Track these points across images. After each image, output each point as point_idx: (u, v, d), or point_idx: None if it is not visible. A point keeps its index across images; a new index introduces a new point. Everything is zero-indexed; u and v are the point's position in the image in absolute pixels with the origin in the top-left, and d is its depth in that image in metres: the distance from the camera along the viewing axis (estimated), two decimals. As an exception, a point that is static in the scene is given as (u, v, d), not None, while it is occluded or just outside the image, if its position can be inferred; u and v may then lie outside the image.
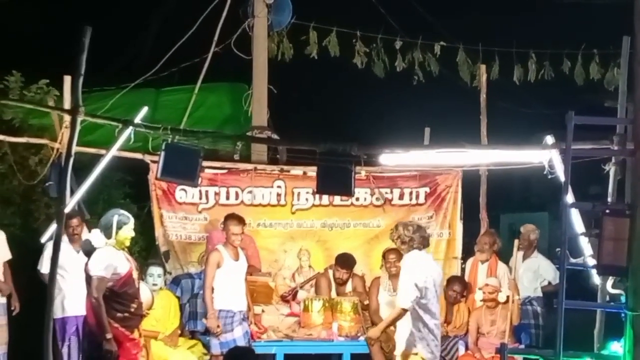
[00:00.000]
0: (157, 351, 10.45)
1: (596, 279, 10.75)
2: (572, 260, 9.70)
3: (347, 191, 10.85)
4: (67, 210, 9.85)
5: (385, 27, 14.41)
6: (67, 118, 10.90)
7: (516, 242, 11.54)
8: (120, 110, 12.45)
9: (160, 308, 10.65)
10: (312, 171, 11.74)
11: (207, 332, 10.82)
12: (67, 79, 11.25)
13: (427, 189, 12.90)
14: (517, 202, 26.98)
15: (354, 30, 14.42)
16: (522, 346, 11.25)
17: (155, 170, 11.08)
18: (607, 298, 10.54)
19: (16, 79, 12.94)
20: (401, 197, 12.90)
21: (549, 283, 11.92)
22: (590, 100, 14.27)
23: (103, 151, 11.16)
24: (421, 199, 12.91)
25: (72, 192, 10.57)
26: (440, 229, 12.89)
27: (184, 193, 12.49)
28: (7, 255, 11.01)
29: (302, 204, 12.78)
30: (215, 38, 13.29)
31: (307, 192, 12.69)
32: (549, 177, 10.76)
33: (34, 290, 10.55)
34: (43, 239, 11.01)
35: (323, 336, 11.24)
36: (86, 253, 8.89)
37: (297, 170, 12.70)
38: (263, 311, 11.51)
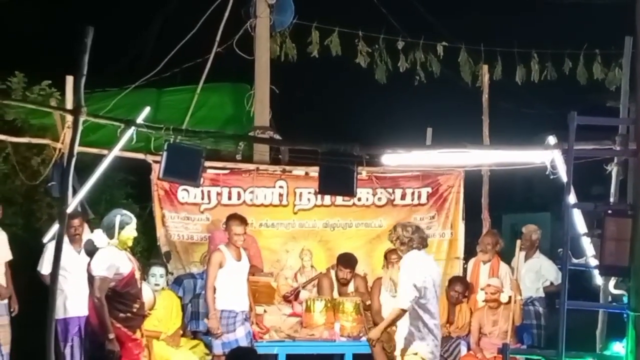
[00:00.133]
0: (159, 351, 10.45)
1: (598, 279, 10.73)
2: (575, 260, 9.69)
3: (349, 191, 10.84)
4: (69, 210, 9.85)
5: (387, 27, 14.42)
6: (69, 118, 10.91)
7: (518, 242, 11.55)
8: (123, 110, 12.46)
9: (162, 308, 10.64)
10: (314, 171, 11.75)
11: (209, 332, 10.82)
12: (70, 79, 11.27)
13: (429, 189, 12.92)
14: (519, 202, 26.96)
15: (356, 31, 14.42)
16: (524, 346, 11.25)
17: (157, 170, 11.07)
18: (610, 298, 10.52)
19: (19, 80, 12.97)
20: (403, 197, 12.90)
21: (551, 283, 11.92)
22: (593, 100, 14.29)
23: (105, 151, 11.14)
24: (423, 199, 12.93)
25: (75, 192, 10.57)
26: (442, 229, 12.90)
27: (186, 193, 12.50)
28: (8, 255, 11.00)
29: (304, 204, 12.78)
30: (218, 38, 13.30)
31: (309, 192, 12.69)
32: (551, 177, 10.75)
33: (36, 291, 10.55)
34: (45, 239, 11.01)
35: (325, 336, 11.24)
36: (88, 253, 8.89)
37: (299, 171, 12.70)
38: (265, 311, 11.51)
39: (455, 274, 12.26)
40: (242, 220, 10.79)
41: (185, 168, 10.46)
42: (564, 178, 9.55)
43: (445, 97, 17.16)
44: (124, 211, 9.15)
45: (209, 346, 10.89)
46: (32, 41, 16.92)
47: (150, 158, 12.00)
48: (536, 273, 11.96)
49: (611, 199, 10.69)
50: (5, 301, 10.89)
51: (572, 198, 8.97)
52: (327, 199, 12.71)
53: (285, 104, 14.49)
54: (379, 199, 12.85)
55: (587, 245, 10.31)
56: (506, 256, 11.84)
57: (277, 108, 13.94)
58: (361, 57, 14.45)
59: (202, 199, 12.56)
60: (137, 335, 8.98)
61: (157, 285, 10.81)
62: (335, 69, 16.02)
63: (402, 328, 9.30)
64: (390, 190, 12.86)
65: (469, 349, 11.27)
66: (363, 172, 12.16)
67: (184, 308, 11.29)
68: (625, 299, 9.02)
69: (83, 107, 9.50)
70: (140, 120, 10.89)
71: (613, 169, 10.88)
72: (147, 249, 12.90)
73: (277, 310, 11.70)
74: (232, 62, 13.63)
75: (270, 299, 11.72)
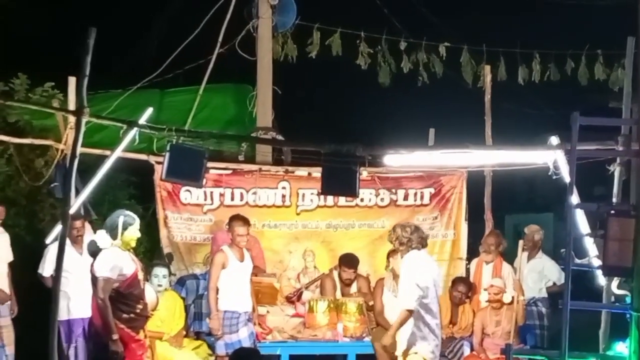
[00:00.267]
0: (162, 352, 10.45)
1: (601, 279, 10.72)
2: (577, 261, 9.68)
3: (351, 192, 10.86)
4: (72, 211, 9.85)
5: (388, 28, 14.42)
6: (71, 119, 10.90)
7: (521, 242, 11.54)
8: (125, 111, 12.47)
9: (165, 309, 10.64)
10: (316, 172, 11.76)
11: (211, 333, 10.83)
12: (72, 80, 11.29)
13: (432, 190, 12.92)
14: (521, 202, 26.92)
15: (358, 31, 14.43)
16: (527, 347, 11.24)
17: (160, 171, 11.08)
18: (612, 299, 10.52)
19: (22, 81, 12.99)
20: (406, 197, 12.91)
21: (554, 284, 11.92)
22: (595, 100, 14.27)
23: (108, 152, 11.15)
24: (426, 200, 12.93)
25: (77, 193, 10.57)
26: (445, 230, 12.90)
27: (189, 194, 12.50)
28: (10, 256, 11.01)
29: (307, 204, 12.79)
30: (220, 39, 13.30)
31: (312, 193, 12.70)
32: (554, 177, 10.76)
33: (38, 292, 10.55)
34: (48, 240, 11.02)
35: (328, 337, 11.25)
36: (92, 254, 8.88)
37: (301, 171, 12.70)
38: (268, 312, 11.52)
39: (458, 275, 12.27)
40: (245, 221, 10.79)
41: (187, 169, 10.48)
42: (567, 178, 9.55)
43: (447, 98, 17.15)
44: (127, 212, 9.15)
45: (211, 347, 10.88)
46: (35, 42, 16.92)
47: (152, 159, 12.02)
48: (539, 273, 11.96)
49: (614, 200, 10.68)
50: (8, 302, 10.89)
51: (574, 198, 8.97)
52: (330, 199, 12.71)
53: (288, 105, 14.49)
54: (382, 199, 12.86)
55: (590, 245, 10.31)
56: (509, 256, 11.84)
57: (280, 109, 13.95)
58: (362, 58, 14.45)
59: (205, 199, 12.56)
60: (141, 336, 8.97)
61: (159, 286, 10.82)
62: (337, 70, 16.02)
63: (404, 328, 9.31)
64: (393, 190, 12.86)
65: (472, 349, 11.27)
66: (364, 173, 12.13)
67: (186, 309, 11.30)
68: (628, 299, 9.02)
69: (85, 108, 9.51)
70: (142, 121, 10.91)
71: (616, 170, 10.86)
72: (149, 250, 12.90)
73: (279, 310, 11.71)
74: (235, 63, 13.64)
75: (273, 300, 11.72)
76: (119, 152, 10.95)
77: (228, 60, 13.53)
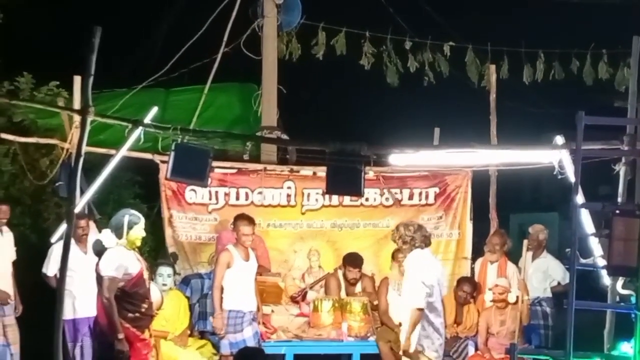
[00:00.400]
0: (166, 351, 10.46)
1: (606, 279, 10.73)
2: (582, 260, 9.69)
3: (356, 191, 10.86)
4: (77, 210, 9.87)
5: (394, 27, 14.41)
6: (77, 118, 10.94)
7: (525, 242, 11.53)
8: (130, 110, 12.46)
9: (169, 308, 10.65)
10: (321, 171, 11.77)
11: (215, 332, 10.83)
12: (77, 79, 11.30)
13: (437, 189, 12.90)
14: (526, 202, 26.96)
15: (363, 31, 14.42)
16: (532, 347, 11.23)
17: (165, 170, 11.09)
18: (617, 298, 10.52)
19: (27, 80, 13.00)
20: (411, 197, 12.90)
21: (558, 283, 11.89)
22: (600, 100, 14.26)
23: (113, 151, 11.17)
24: (431, 199, 12.92)
25: (82, 193, 10.58)
26: (449, 229, 12.89)
27: (194, 193, 12.50)
28: (14, 255, 11.02)
29: (312, 204, 12.78)
30: (225, 38, 13.29)
31: (317, 193, 12.69)
32: (559, 177, 10.76)
33: (43, 291, 10.56)
34: (53, 239, 11.03)
35: (332, 336, 11.25)
36: (97, 253, 8.89)
37: (306, 171, 12.70)
38: (272, 311, 11.52)
39: (462, 274, 12.25)
40: (250, 221, 10.78)
41: (192, 168, 10.49)
42: (572, 178, 9.55)
43: (452, 97, 17.15)
44: (132, 211, 9.16)
45: (216, 346, 10.89)
46: (40, 42, 16.94)
47: (157, 158, 12.01)
48: (543, 273, 11.94)
49: (619, 199, 10.69)
50: (12, 301, 10.90)
51: (580, 198, 8.96)
52: (335, 199, 12.71)
53: (293, 104, 14.49)
54: (387, 199, 12.85)
55: (595, 245, 10.31)
56: (514, 256, 11.82)
57: (285, 108, 13.94)
58: (365, 58, 14.44)
59: (210, 199, 12.56)
60: (146, 335, 8.98)
61: (164, 285, 10.82)
62: (342, 69, 16.01)
63: (408, 327, 9.31)
64: (398, 190, 12.85)
65: (476, 349, 11.26)
66: (370, 172, 12.13)
67: (191, 308, 11.30)
68: (633, 299, 9.02)
69: (91, 107, 9.52)
70: (147, 120, 10.93)
71: (621, 169, 10.87)
72: (154, 249, 12.90)
73: (284, 310, 11.71)
74: (240, 62, 13.63)
75: (278, 299, 11.73)
76: (124, 151, 10.96)
77: (233, 60, 13.53)
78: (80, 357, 10.60)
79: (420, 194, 12.90)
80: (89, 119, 9.52)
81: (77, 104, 11.20)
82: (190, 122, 12.68)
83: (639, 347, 8.25)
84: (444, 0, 15.44)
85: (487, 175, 12.60)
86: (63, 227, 10.11)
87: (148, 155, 12.06)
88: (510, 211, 20.70)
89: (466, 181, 12.85)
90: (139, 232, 8.98)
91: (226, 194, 12.59)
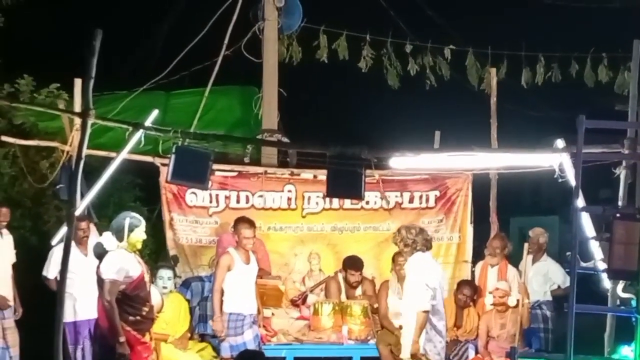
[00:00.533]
0: (167, 354, 10.44)
1: (607, 283, 10.73)
2: (583, 264, 9.69)
3: (357, 194, 10.87)
4: (77, 213, 9.86)
5: (394, 30, 14.43)
6: (77, 121, 10.92)
7: (526, 245, 11.54)
8: (131, 113, 12.46)
9: (170, 311, 10.64)
10: (322, 174, 11.76)
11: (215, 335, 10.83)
12: (78, 82, 11.29)
13: (437, 193, 12.89)
14: (527, 205, 27.00)
15: (363, 34, 14.43)
16: (532, 350, 11.23)
17: (165, 173, 11.09)
18: (618, 302, 10.53)
19: (27, 83, 13.01)
20: (411, 200, 12.88)
21: (559, 287, 11.89)
22: (601, 103, 14.27)
23: (113, 154, 11.16)
24: (431, 203, 12.91)
25: (82, 195, 10.58)
26: (450, 233, 12.88)
27: (194, 196, 12.49)
28: (13, 258, 11.01)
29: (313, 207, 12.77)
30: (226, 41, 13.32)
31: (318, 196, 12.67)
32: (560, 180, 10.76)
33: (43, 294, 10.55)
34: (53, 242, 11.02)
35: (333, 339, 11.25)
36: (98, 256, 8.88)
37: (307, 174, 12.69)
38: (273, 314, 11.52)
39: (463, 278, 12.25)
40: (251, 224, 10.78)
41: (193, 171, 10.49)
42: (572, 181, 9.57)
43: (452, 100, 17.16)
44: (133, 214, 9.16)
45: (216, 349, 10.88)
46: (41, 44, 16.95)
47: (158, 161, 12.02)
48: (544, 276, 11.94)
49: (619, 203, 10.69)
50: (11, 304, 10.89)
51: (580, 201, 8.97)
52: (336, 202, 12.69)
53: (293, 107, 14.50)
54: (386, 202, 12.83)
55: (596, 248, 10.31)
56: (514, 259, 11.83)
57: (285, 111, 13.95)
58: (364, 61, 14.44)
59: (211, 202, 12.55)
60: (146, 339, 8.97)
61: (165, 288, 10.81)
62: (343, 72, 16.02)
63: (410, 330, 9.31)
64: (398, 193, 12.84)
65: (476, 352, 11.25)
66: (375, 175, 12.11)
67: (191, 311, 11.29)
68: (633, 303, 9.03)
69: (91, 110, 9.53)
70: (148, 123, 10.92)
71: (621, 173, 10.87)
72: (155, 252, 12.90)
73: (284, 313, 11.71)
74: (240, 65, 13.64)
75: (278, 302, 11.73)
76: (124, 154, 10.96)
77: (234, 63, 13.54)
78: (82, 359, 10.59)
79: (421, 197, 12.89)
80: (90, 121, 9.53)
81: (77, 107, 11.20)
82: (191, 125, 12.69)
83: (639, 350, 8.24)
84: (444, 3, 15.45)
85: (487, 179, 12.60)
86: (63, 230, 10.11)
87: (149, 158, 12.07)
88: (510, 214, 20.74)
89: (467, 184, 12.84)
90: (139, 235, 8.98)
91: (227, 197, 12.58)
